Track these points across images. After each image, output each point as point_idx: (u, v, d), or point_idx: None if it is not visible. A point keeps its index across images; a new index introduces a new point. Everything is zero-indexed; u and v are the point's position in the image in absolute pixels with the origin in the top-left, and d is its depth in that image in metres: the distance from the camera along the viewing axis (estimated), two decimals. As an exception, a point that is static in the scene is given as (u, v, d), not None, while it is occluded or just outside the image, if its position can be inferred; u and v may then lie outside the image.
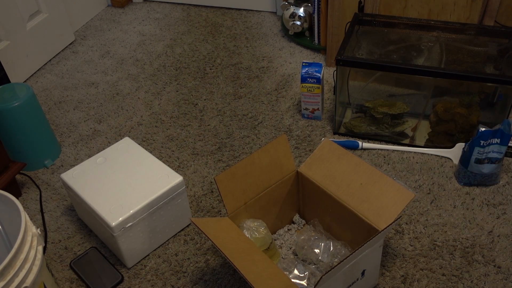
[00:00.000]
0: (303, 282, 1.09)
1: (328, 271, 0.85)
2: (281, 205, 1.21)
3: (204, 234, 0.97)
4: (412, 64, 1.42)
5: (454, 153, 1.43)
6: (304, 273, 1.10)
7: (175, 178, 1.20)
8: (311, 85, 1.51)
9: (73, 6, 2.14)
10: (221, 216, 1.30)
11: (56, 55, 2.03)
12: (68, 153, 1.56)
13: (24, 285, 0.88)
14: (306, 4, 1.88)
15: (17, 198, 1.39)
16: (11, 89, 1.42)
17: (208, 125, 1.62)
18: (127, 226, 1.13)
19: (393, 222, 0.96)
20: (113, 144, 1.35)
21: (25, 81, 1.90)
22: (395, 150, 1.47)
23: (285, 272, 1.10)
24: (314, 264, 1.12)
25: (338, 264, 0.87)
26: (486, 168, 1.30)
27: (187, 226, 1.30)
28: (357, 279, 1.01)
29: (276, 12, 2.20)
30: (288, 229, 1.25)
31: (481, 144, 1.26)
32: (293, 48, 1.96)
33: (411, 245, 1.21)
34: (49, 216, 1.36)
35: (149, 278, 1.18)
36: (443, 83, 1.40)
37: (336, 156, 1.13)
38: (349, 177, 1.10)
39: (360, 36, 1.55)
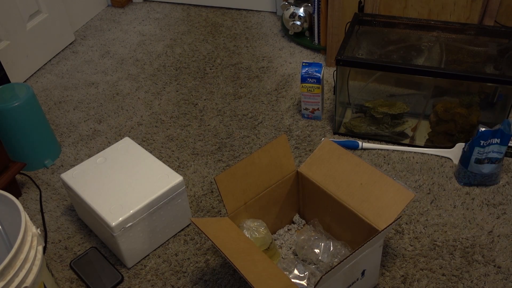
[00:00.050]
0: (303, 282, 1.09)
1: (328, 271, 0.85)
2: (281, 205, 1.21)
3: (204, 234, 0.97)
4: (412, 64, 1.42)
5: (454, 153, 1.43)
6: (304, 273, 1.10)
7: (175, 178, 1.20)
8: (311, 85, 1.51)
9: (73, 6, 2.14)
10: (221, 216, 1.30)
11: (56, 55, 2.03)
12: (68, 153, 1.56)
13: (24, 285, 0.88)
14: (306, 4, 1.88)
15: (17, 198, 1.39)
16: (11, 89, 1.42)
17: (208, 125, 1.62)
18: (127, 226, 1.13)
19: (393, 222, 0.96)
20: (113, 144, 1.35)
21: (25, 81, 1.90)
22: (395, 150, 1.47)
23: (285, 272, 1.10)
24: (314, 264, 1.12)
25: (338, 264, 0.87)
26: (486, 168, 1.30)
27: (187, 226, 1.30)
28: (357, 279, 1.01)
29: (276, 12, 2.20)
30: (288, 229, 1.25)
31: (481, 144, 1.26)
32: (293, 48, 1.96)
33: (411, 245, 1.21)
34: (49, 216, 1.36)
35: (149, 278, 1.18)
36: (443, 83, 1.40)
37: (336, 156, 1.13)
38: (349, 177, 1.10)
39: (360, 36, 1.55)
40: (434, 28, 1.49)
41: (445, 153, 1.44)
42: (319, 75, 1.49)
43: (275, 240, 1.22)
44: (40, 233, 0.97)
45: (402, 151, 1.47)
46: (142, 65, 1.93)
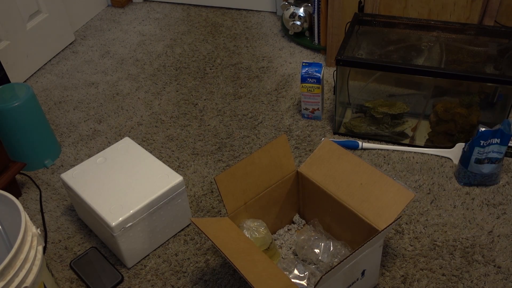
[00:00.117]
0: (303, 282, 1.09)
1: (328, 271, 0.85)
2: (281, 205, 1.21)
3: (204, 234, 0.97)
4: (412, 64, 1.42)
5: (454, 153, 1.43)
6: (304, 273, 1.10)
7: (175, 178, 1.20)
8: (311, 85, 1.51)
9: (73, 6, 2.14)
10: (221, 216, 1.30)
11: (56, 55, 2.03)
12: (68, 153, 1.56)
13: (24, 285, 0.88)
14: (306, 4, 1.88)
15: (17, 198, 1.39)
16: (11, 89, 1.42)
17: (208, 125, 1.62)
18: (127, 226, 1.13)
19: (393, 222, 0.96)
20: (113, 144, 1.35)
21: (25, 81, 1.90)
22: (395, 150, 1.47)
23: (285, 272, 1.10)
24: (314, 264, 1.12)
25: (338, 264, 0.87)
26: (486, 168, 1.30)
27: (187, 226, 1.30)
28: (357, 279, 1.01)
29: (276, 12, 2.20)
30: (288, 229, 1.25)
31: (481, 144, 1.26)
32: (293, 48, 1.96)
33: (411, 245, 1.21)
34: (49, 216, 1.36)
35: (149, 278, 1.18)
36: (443, 83, 1.40)
37: (336, 156, 1.13)
38: (349, 177, 1.10)
39: (360, 36, 1.55)
40: (434, 28, 1.49)
41: (445, 153, 1.44)
42: (319, 75, 1.49)
43: (275, 240, 1.22)
44: (40, 233, 0.97)
45: (402, 151, 1.47)
46: (142, 65, 1.93)
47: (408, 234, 1.23)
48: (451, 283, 1.12)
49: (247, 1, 2.20)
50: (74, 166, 1.34)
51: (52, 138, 1.52)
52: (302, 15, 1.88)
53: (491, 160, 1.28)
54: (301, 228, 1.25)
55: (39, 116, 1.45)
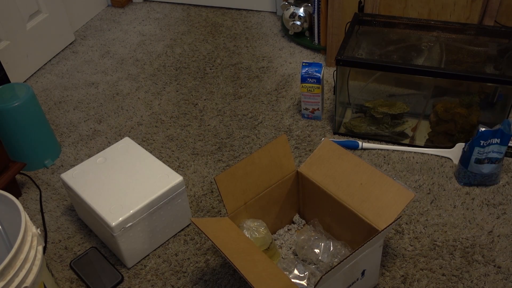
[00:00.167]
0: (303, 282, 1.09)
1: (328, 271, 0.85)
2: (281, 205, 1.21)
3: (204, 234, 0.97)
4: (412, 64, 1.42)
5: (454, 153, 1.43)
6: (304, 273, 1.10)
7: (175, 178, 1.20)
8: (311, 85, 1.51)
9: (73, 6, 2.14)
10: (221, 216, 1.30)
11: (56, 55, 2.03)
12: (68, 153, 1.56)
13: (24, 285, 0.88)
14: (306, 4, 1.88)
15: (17, 198, 1.39)
16: (11, 89, 1.42)
17: (208, 125, 1.62)
18: (127, 226, 1.13)
19: (393, 222, 0.96)
20: (113, 144, 1.35)
21: (25, 81, 1.90)
22: (395, 150, 1.47)
23: (285, 272, 1.10)
24: (314, 264, 1.12)
25: (338, 264, 0.87)
26: (486, 168, 1.30)
27: (187, 226, 1.30)
28: (357, 279, 1.01)
29: (276, 12, 2.20)
30: (288, 229, 1.25)
31: (481, 144, 1.26)
32: (293, 48, 1.96)
33: (411, 245, 1.21)
34: (49, 216, 1.36)
35: (149, 278, 1.18)
36: (443, 83, 1.40)
37: (336, 156, 1.13)
38: (349, 177, 1.10)
39: (360, 36, 1.55)
40: (434, 28, 1.49)
41: (445, 153, 1.44)
42: (319, 75, 1.49)
43: (275, 240, 1.22)
44: (40, 233, 0.97)
45: (402, 151, 1.47)
46: (142, 65, 1.94)
47: (408, 234, 1.23)
48: (451, 283, 1.12)
49: (247, 1, 2.20)
50: (74, 166, 1.34)
51: (52, 138, 1.52)
52: (302, 15, 1.88)
53: (491, 160, 1.28)
54: (301, 228, 1.25)
55: (39, 116, 1.45)
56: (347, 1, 1.66)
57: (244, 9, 2.24)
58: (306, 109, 1.58)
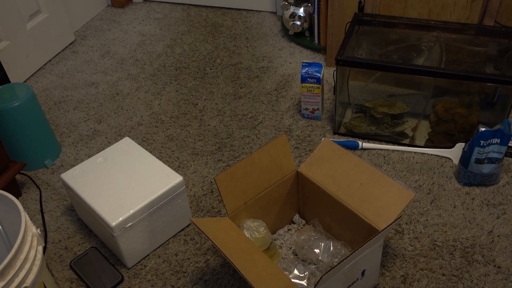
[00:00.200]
0: (303, 282, 1.09)
1: (328, 271, 0.85)
2: (281, 205, 1.21)
3: (204, 234, 0.97)
4: (412, 64, 1.42)
5: (454, 153, 1.43)
6: (304, 273, 1.10)
7: (175, 178, 1.20)
8: (311, 85, 1.51)
9: (73, 6, 2.14)
10: (221, 216, 1.30)
11: (56, 55, 2.03)
12: (68, 153, 1.56)
13: (24, 285, 0.88)
14: (306, 4, 1.88)
15: (17, 198, 1.39)
16: (11, 89, 1.42)
17: (208, 125, 1.62)
18: (127, 226, 1.13)
19: (393, 222, 0.96)
20: (113, 144, 1.35)
21: (25, 81, 1.90)
22: (395, 150, 1.47)
23: (285, 272, 1.10)
24: (314, 264, 1.12)
25: (338, 264, 0.87)
26: (486, 168, 1.30)
27: (187, 226, 1.30)
28: (357, 279, 1.01)
29: (276, 12, 2.20)
30: (288, 229, 1.25)
31: (481, 144, 1.26)
32: (293, 48, 1.96)
33: (411, 245, 1.21)
34: (49, 216, 1.36)
35: (149, 278, 1.18)
36: (443, 83, 1.40)
37: (336, 156, 1.13)
38: (349, 177, 1.10)
39: (360, 36, 1.55)
40: (434, 28, 1.49)
41: (445, 153, 1.44)
42: (319, 75, 1.49)
43: (275, 240, 1.22)
44: (40, 233, 0.97)
45: (402, 151, 1.47)
46: (142, 65, 1.94)
47: (408, 234, 1.23)
48: (451, 283, 1.12)
49: (247, 1, 2.20)
50: (74, 166, 1.34)
51: (52, 138, 1.52)
52: (302, 15, 1.88)
53: (491, 160, 1.28)
54: (301, 228, 1.25)
55: (39, 116, 1.45)
56: (347, 1, 1.66)
57: (244, 9, 2.24)
58: (306, 109, 1.58)
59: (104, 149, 1.35)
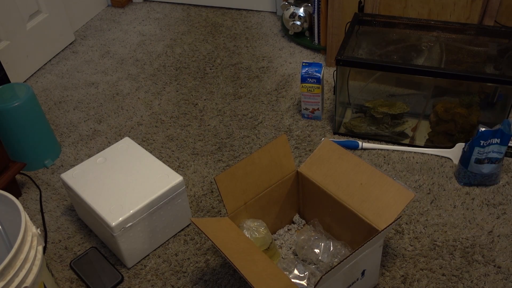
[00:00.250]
0: (303, 282, 1.09)
1: (328, 271, 0.85)
2: (281, 205, 1.21)
3: (204, 234, 0.97)
4: (412, 64, 1.42)
5: (454, 153, 1.43)
6: (304, 273, 1.10)
7: (175, 178, 1.20)
8: (311, 85, 1.51)
9: (73, 6, 2.14)
10: (221, 216, 1.30)
11: (56, 55, 2.03)
12: (68, 153, 1.56)
13: (24, 285, 0.88)
14: (306, 4, 1.88)
15: (17, 198, 1.39)
16: (11, 89, 1.42)
17: (208, 125, 1.62)
18: (127, 226, 1.13)
19: (393, 222, 0.96)
20: (113, 144, 1.35)
21: (25, 81, 1.90)
22: (395, 150, 1.47)
23: (285, 272, 1.10)
24: (314, 264, 1.12)
25: (338, 264, 0.87)
26: (486, 168, 1.30)
27: (187, 226, 1.30)
28: (357, 279, 1.01)
29: (276, 12, 2.20)
30: (288, 229, 1.25)
31: (481, 144, 1.26)
32: (293, 48, 1.96)
33: (411, 245, 1.21)
34: (49, 216, 1.36)
35: (149, 278, 1.18)
36: (443, 83, 1.40)
37: (336, 156, 1.13)
38: (349, 177, 1.10)
39: (360, 36, 1.55)
40: (434, 28, 1.49)
41: (445, 153, 1.44)
42: (319, 75, 1.49)
43: (275, 240, 1.22)
44: (40, 233, 0.97)
45: (402, 151, 1.47)
46: (142, 65, 1.94)
47: (408, 234, 1.23)
48: (451, 283, 1.12)
49: (247, 1, 2.20)
50: (74, 166, 1.34)
51: (52, 138, 1.52)
52: (302, 15, 1.88)
53: (491, 160, 1.28)
54: (301, 228, 1.25)
55: (39, 116, 1.45)
56: (347, 1, 1.66)
57: (244, 9, 2.24)
58: (306, 109, 1.58)
59: (104, 149, 1.35)
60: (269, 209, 1.18)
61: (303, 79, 1.51)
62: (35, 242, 0.94)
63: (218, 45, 2.01)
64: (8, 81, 1.65)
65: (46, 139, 1.50)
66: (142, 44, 2.05)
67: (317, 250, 1.11)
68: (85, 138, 1.61)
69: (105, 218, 1.12)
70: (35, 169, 1.50)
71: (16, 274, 0.86)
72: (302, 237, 1.14)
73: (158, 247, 1.25)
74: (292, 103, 1.68)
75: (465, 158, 1.32)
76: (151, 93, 1.78)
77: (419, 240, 1.22)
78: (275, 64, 1.87)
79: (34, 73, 1.94)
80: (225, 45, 2.01)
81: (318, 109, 1.57)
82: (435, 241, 1.21)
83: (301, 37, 1.96)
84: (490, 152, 1.27)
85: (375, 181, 1.07)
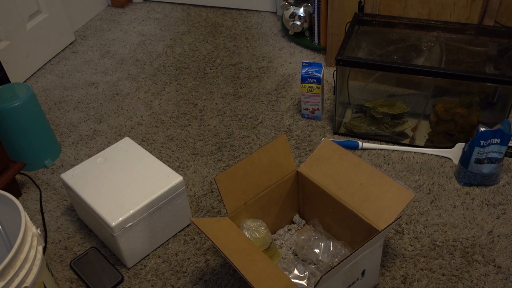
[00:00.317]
0: (303, 282, 1.09)
1: (328, 271, 0.85)
2: (281, 205, 1.21)
3: (204, 234, 0.97)
4: (412, 64, 1.42)
5: (454, 153, 1.43)
6: (304, 273, 1.10)
7: (175, 178, 1.20)
8: (311, 85, 1.51)
9: (73, 6, 2.14)
10: (221, 216, 1.30)
11: (56, 55, 2.03)
12: (68, 153, 1.56)
13: (24, 285, 0.88)
14: (306, 4, 1.88)
15: (17, 198, 1.39)
16: (11, 89, 1.42)
17: (208, 125, 1.62)
18: (127, 226, 1.13)
19: (393, 222, 0.96)
20: (113, 144, 1.35)
21: (25, 81, 1.90)
22: (395, 150, 1.47)
23: (285, 272, 1.10)
24: (314, 264, 1.12)
25: (338, 264, 0.87)
26: (486, 168, 1.30)
27: (187, 226, 1.30)
28: (357, 279, 1.01)
29: (276, 12, 2.20)
30: (288, 229, 1.25)
31: (481, 144, 1.26)
32: (293, 48, 1.96)
33: (411, 245, 1.21)
34: (49, 216, 1.36)
35: (149, 278, 1.18)
36: (443, 83, 1.40)
37: (336, 156, 1.13)
38: (349, 177, 1.10)
39: (360, 36, 1.55)
40: (434, 28, 1.49)
41: (445, 153, 1.44)
42: (319, 75, 1.49)
43: (275, 240, 1.22)
44: (40, 233, 0.97)
45: (402, 151, 1.47)
46: (142, 65, 1.94)
47: (408, 234, 1.23)
48: (451, 283, 1.12)
49: (247, 1, 2.20)
50: (74, 166, 1.34)
51: (52, 138, 1.52)
52: (302, 15, 1.88)
53: (491, 160, 1.28)
54: (301, 228, 1.25)
55: (39, 116, 1.45)
56: (347, 1, 1.66)
57: (244, 9, 2.24)
58: (306, 109, 1.58)
59: (104, 149, 1.35)
60: (269, 209, 1.18)
61: (303, 79, 1.51)
62: (35, 242, 0.94)
63: (218, 45, 2.01)
64: (8, 81, 1.65)
65: (46, 139, 1.50)
66: (142, 44, 2.05)
67: (317, 250, 1.11)
68: (85, 138, 1.61)
69: (105, 218, 1.12)
70: (35, 169, 1.50)
71: (16, 274, 0.86)
72: (302, 237, 1.14)
73: (158, 247, 1.25)
74: (292, 103, 1.68)
75: (465, 158, 1.32)
76: (151, 93, 1.78)
77: (419, 240, 1.22)
78: (275, 64, 1.87)
79: (34, 73, 1.94)
80: (225, 45, 2.01)
81: (318, 109, 1.57)
82: (435, 241, 1.21)
83: (301, 37, 1.96)
84: (490, 152, 1.27)
85: (375, 181, 1.07)
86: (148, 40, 2.08)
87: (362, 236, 1.08)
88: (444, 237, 1.22)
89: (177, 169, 1.47)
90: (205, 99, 1.73)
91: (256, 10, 2.22)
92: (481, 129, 1.25)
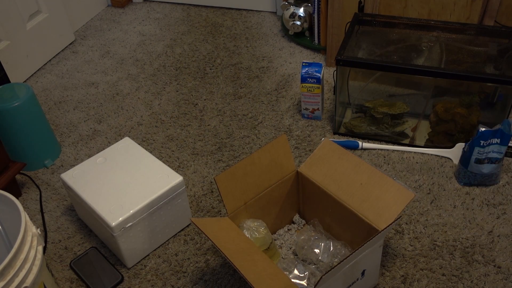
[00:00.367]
0: (303, 282, 1.09)
1: (328, 271, 0.85)
2: (281, 205, 1.21)
3: (204, 234, 0.97)
4: (412, 64, 1.42)
5: (454, 153, 1.43)
6: (304, 273, 1.10)
7: (175, 178, 1.20)
8: (311, 85, 1.51)
9: (73, 6, 2.14)
10: (221, 216, 1.30)
11: (56, 55, 2.03)
12: (68, 153, 1.56)
13: (24, 285, 0.88)
14: (306, 4, 1.88)
15: (17, 198, 1.39)
16: (11, 89, 1.42)
17: (208, 125, 1.62)
18: (127, 226, 1.13)
19: (393, 222, 0.96)
20: (113, 144, 1.35)
21: (25, 81, 1.90)
22: (395, 150, 1.47)
23: (285, 272, 1.10)
24: (314, 264, 1.12)
25: (338, 264, 0.87)
26: (486, 168, 1.30)
27: (187, 226, 1.30)
28: (357, 279, 1.01)
29: (276, 12, 2.20)
30: (288, 229, 1.25)
31: (481, 144, 1.26)
32: (293, 48, 1.96)
33: (411, 245, 1.21)
34: (49, 216, 1.36)
35: (149, 278, 1.18)
36: (443, 83, 1.40)
37: (336, 156, 1.13)
38: (349, 177, 1.10)
39: (360, 36, 1.55)
40: (434, 28, 1.49)
41: (445, 153, 1.44)
42: (319, 75, 1.49)
43: (275, 240, 1.22)
44: (40, 233, 0.97)
45: (402, 151, 1.47)
46: (142, 65, 1.94)
47: (408, 234, 1.23)
48: (451, 283, 1.12)
49: (247, 1, 2.20)
50: (74, 166, 1.34)
51: (52, 138, 1.52)
52: (302, 15, 1.88)
53: (491, 160, 1.28)
54: (301, 228, 1.25)
55: (39, 116, 1.45)
56: (347, 1, 1.66)
57: (244, 9, 2.24)
58: (306, 109, 1.58)
59: (104, 149, 1.35)
60: (269, 209, 1.18)
61: (303, 79, 1.51)
62: (35, 242, 0.94)
63: (218, 45, 2.01)
64: (8, 81, 1.65)
65: (46, 139, 1.50)
66: (142, 44, 2.05)
67: (317, 250, 1.11)
68: (85, 138, 1.61)
69: (105, 218, 1.12)
70: (35, 169, 1.50)
71: (16, 274, 0.86)
72: (302, 237, 1.14)
73: (158, 247, 1.25)
74: (292, 103, 1.68)
75: (465, 158, 1.32)
76: (151, 93, 1.78)
77: (419, 240, 1.22)
78: (275, 64, 1.87)
79: (34, 73, 1.94)
80: (225, 45, 2.01)
81: (318, 109, 1.57)
82: (435, 241, 1.21)
83: (301, 37, 1.96)
84: (490, 152, 1.27)
85: (375, 181, 1.07)
86: (148, 40, 2.08)
87: (362, 236, 1.08)
88: (444, 237, 1.22)
89: (177, 169, 1.47)
90: (205, 99, 1.73)
91: (256, 10, 2.22)
92: (481, 129, 1.25)
